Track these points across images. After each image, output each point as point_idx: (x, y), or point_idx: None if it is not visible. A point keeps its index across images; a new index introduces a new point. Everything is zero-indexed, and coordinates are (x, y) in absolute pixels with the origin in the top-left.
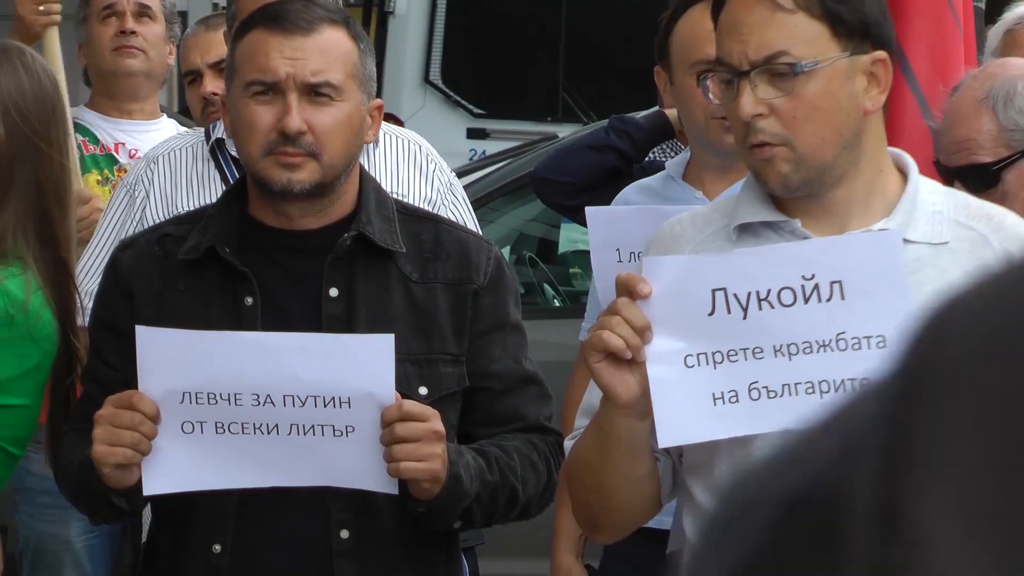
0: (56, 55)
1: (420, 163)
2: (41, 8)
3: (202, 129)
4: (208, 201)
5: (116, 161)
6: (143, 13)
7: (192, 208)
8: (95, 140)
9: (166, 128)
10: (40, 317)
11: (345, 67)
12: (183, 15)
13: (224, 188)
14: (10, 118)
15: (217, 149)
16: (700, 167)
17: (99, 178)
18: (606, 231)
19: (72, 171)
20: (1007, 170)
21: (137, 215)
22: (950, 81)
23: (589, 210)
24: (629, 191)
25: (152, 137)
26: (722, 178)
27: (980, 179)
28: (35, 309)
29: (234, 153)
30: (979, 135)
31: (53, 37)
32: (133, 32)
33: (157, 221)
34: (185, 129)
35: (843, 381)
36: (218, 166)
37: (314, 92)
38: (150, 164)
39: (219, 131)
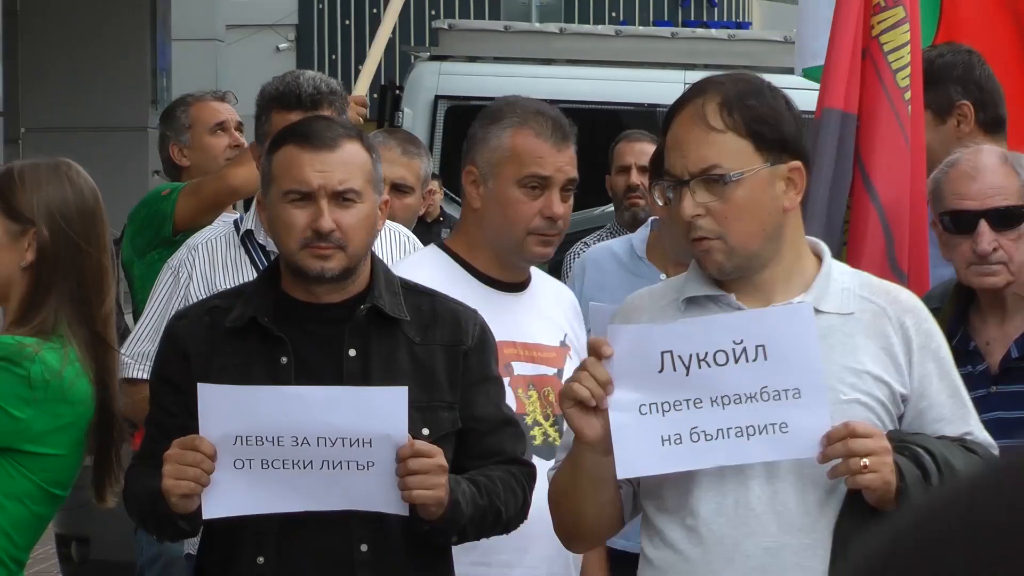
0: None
1: (409, 250)
2: (360, 121)
3: (231, 219)
4: (241, 281)
5: None
6: (240, 127)
7: (228, 286)
8: None
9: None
10: (74, 384)
11: (363, 174)
12: (239, 126)
13: (253, 270)
14: (55, 222)
15: (247, 239)
16: (668, 259)
17: None
18: (606, 324)
19: (110, 264)
20: None
21: (182, 291)
22: (902, 192)
23: (592, 305)
24: (597, 251)
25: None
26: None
27: (1009, 219)
28: (69, 377)
29: (261, 241)
30: (1012, 185)
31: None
32: (239, 145)
33: (199, 296)
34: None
35: (766, 426)
36: (248, 252)
37: (341, 197)
38: (191, 251)
39: (247, 224)
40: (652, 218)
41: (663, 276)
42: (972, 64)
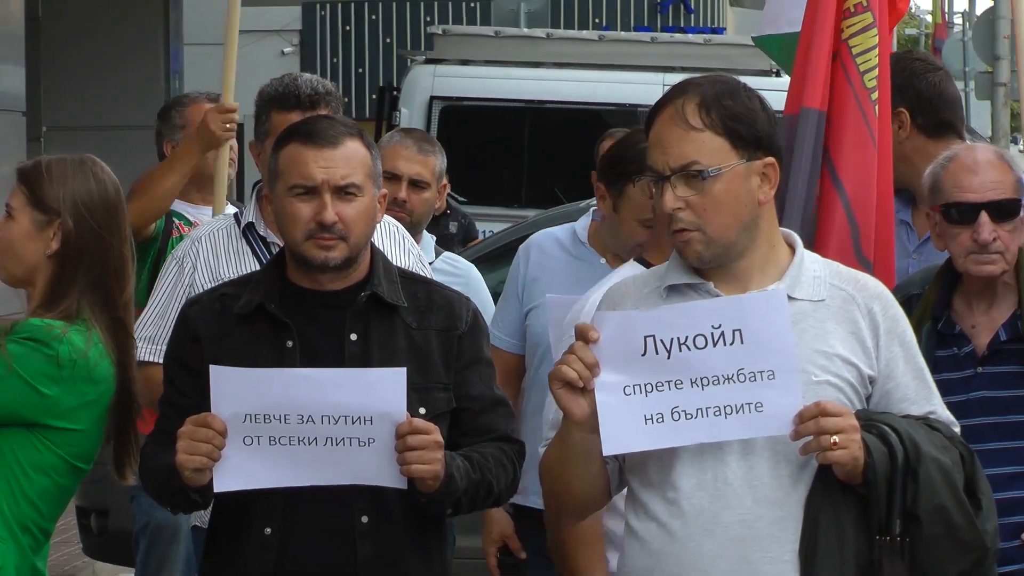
0: (224, 163)
1: (398, 240)
2: (227, 126)
3: (231, 214)
4: (244, 270)
5: None
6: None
7: (232, 275)
8: (188, 223)
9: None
10: (98, 364)
11: (363, 169)
12: (240, 127)
13: (255, 261)
14: (79, 214)
15: (248, 231)
16: (608, 244)
17: None
18: (564, 312)
19: (129, 254)
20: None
21: (187, 280)
22: (867, 185)
23: (550, 297)
24: (541, 236)
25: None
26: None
27: (1006, 211)
28: (94, 358)
29: (262, 233)
30: (1008, 179)
31: (226, 149)
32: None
33: (205, 284)
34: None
35: (742, 405)
36: (249, 243)
37: (343, 192)
38: (194, 243)
39: (247, 217)
40: (593, 208)
41: (603, 260)
42: (914, 72)
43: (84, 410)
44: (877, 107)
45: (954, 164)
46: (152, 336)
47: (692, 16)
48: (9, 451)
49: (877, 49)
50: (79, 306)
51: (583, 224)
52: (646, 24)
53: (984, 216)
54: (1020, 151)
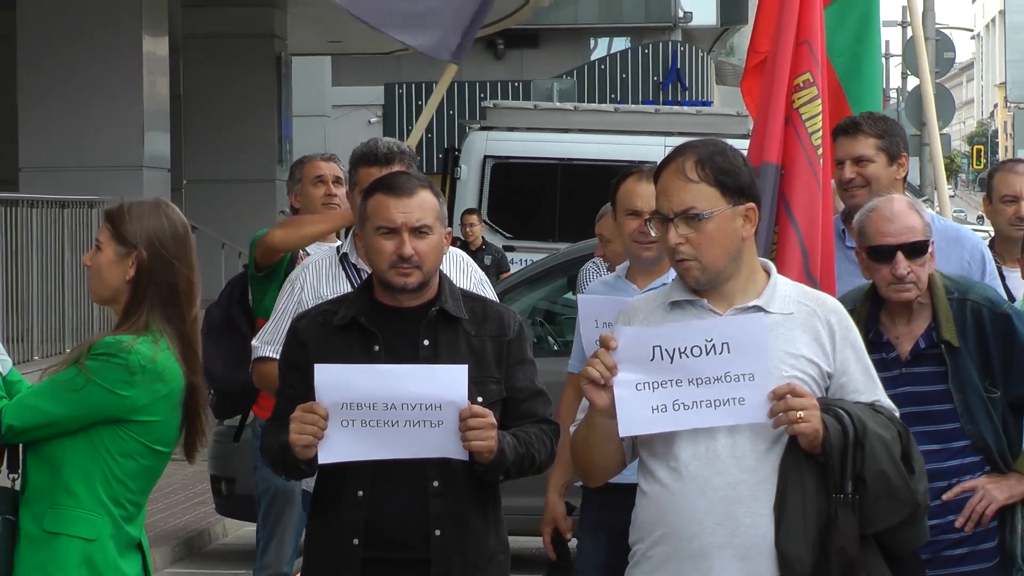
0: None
1: (463, 268)
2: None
3: (335, 246)
4: (340, 290)
5: None
6: (338, 180)
7: (331, 294)
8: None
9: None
10: (167, 366)
11: (433, 213)
12: (337, 179)
13: (348, 283)
14: (153, 246)
15: (344, 260)
16: (635, 271)
17: None
18: (592, 309)
19: (197, 279)
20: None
21: (296, 297)
22: (814, 220)
23: (582, 297)
24: (595, 285)
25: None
26: (647, 276)
27: (917, 250)
28: (162, 361)
29: (354, 262)
30: (918, 224)
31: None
32: (334, 195)
33: (309, 301)
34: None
35: (728, 399)
36: (344, 270)
37: (417, 231)
38: (304, 268)
39: (344, 247)
40: (620, 264)
41: (634, 288)
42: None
43: (158, 404)
44: (821, 160)
45: (875, 214)
46: (272, 340)
47: (687, 92)
48: (100, 444)
49: (821, 115)
50: (148, 320)
51: (623, 267)
52: (651, 99)
53: (900, 255)
54: (925, 200)
